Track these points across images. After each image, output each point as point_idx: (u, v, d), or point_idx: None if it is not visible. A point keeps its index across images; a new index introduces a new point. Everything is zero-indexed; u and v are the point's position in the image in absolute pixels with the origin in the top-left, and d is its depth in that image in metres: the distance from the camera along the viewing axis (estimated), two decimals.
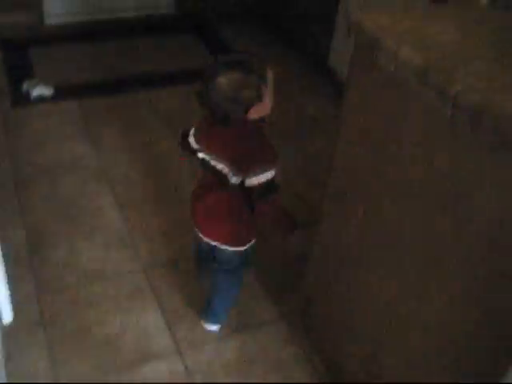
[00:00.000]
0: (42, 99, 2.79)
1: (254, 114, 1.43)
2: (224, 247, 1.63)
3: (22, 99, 2.79)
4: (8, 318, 1.73)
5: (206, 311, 1.82)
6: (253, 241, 1.66)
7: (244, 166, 1.47)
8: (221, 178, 1.53)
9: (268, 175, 1.46)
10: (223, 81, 1.39)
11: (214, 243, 1.63)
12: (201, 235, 1.65)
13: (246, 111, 1.42)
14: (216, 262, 1.71)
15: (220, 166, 1.51)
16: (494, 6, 1.61)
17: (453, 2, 1.43)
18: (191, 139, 1.60)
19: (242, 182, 1.50)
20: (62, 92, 2.87)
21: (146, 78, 3.08)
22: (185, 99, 2.90)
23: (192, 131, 1.61)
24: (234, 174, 1.49)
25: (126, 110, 2.80)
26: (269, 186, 1.48)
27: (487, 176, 0.96)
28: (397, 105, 1.13)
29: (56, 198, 2.24)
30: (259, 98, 1.41)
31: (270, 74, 1.43)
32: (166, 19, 3.55)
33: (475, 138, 0.95)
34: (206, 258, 1.75)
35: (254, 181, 1.46)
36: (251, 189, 1.49)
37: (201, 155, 1.57)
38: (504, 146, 0.91)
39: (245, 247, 1.64)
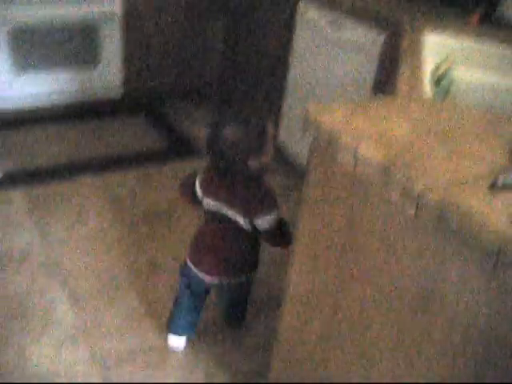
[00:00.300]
0: None
1: (255, 163, 1.62)
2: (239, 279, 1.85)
3: None
4: None
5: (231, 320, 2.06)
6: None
7: (250, 209, 1.66)
8: (230, 222, 1.72)
9: (274, 217, 1.67)
10: (227, 133, 1.61)
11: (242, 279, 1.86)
12: (211, 278, 1.83)
13: (247, 160, 1.61)
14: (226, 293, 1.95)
15: (226, 211, 1.70)
16: (436, 94, 1.69)
17: (396, 92, 1.48)
18: (197, 188, 1.77)
19: (253, 226, 1.70)
20: (8, 180, 2.79)
21: (95, 163, 3.04)
22: (136, 183, 2.87)
23: (198, 181, 1.78)
24: (243, 218, 1.68)
25: (75, 197, 2.73)
26: (277, 226, 1.70)
27: (456, 275, 0.97)
28: (358, 202, 1.14)
29: (4, 294, 2.12)
30: (259, 148, 1.62)
31: (269, 128, 1.65)
32: (114, 102, 3.55)
33: (441, 238, 0.96)
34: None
35: (263, 222, 1.68)
36: (260, 231, 1.71)
37: (206, 203, 1.75)
38: (470, 246, 0.92)
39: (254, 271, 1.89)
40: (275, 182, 2.94)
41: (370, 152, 1.05)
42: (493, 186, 1.01)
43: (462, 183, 1.00)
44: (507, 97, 1.91)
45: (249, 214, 1.68)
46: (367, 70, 2.44)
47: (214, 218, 1.77)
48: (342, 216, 1.20)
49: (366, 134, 1.12)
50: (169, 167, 3.08)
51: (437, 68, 1.78)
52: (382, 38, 2.34)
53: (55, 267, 2.28)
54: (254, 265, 1.88)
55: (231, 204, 1.69)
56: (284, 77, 3.00)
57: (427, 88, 1.52)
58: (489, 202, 0.96)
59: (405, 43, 1.87)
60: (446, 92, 1.78)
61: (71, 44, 3.28)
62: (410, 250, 1.06)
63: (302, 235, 1.37)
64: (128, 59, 3.44)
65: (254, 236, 1.77)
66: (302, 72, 2.87)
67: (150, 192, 2.81)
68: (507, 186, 1.02)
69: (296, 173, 2.72)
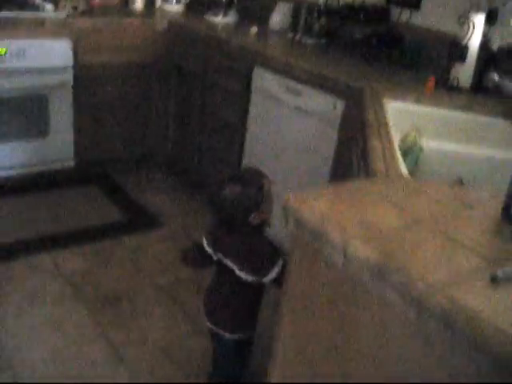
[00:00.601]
0: None
1: (254, 219, 1.72)
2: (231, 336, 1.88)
3: None
4: None
5: None
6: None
7: (254, 267, 1.74)
8: (232, 274, 1.78)
9: (279, 267, 1.72)
10: (227, 194, 1.71)
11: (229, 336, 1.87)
12: (208, 321, 1.91)
13: (247, 218, 1.71)
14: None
15: (230, 265, 1.77)
16: (406, 165, 1.66)
17: (372, 168, 1.43)
18: (206, 247, 1.86)
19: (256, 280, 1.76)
20: None
21: (46, 239, 2.86)
22: (93, 260, 2.72)
23: (205, 241, 1.87)
24: (245, 274, 1.75)
25: (27, 280, 2.54)
26: (283, 272, 1.68)
27: (469, 376, 0.89)
28: (348, 300, 1.05)
29: None
30: (257, 206, 1.71)
31: (266, 186, 1.74)
32: (67, 172, 3.40)
33: (448, 339, 0.88)
34: None
35: (271, 275, 1.73)
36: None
37: (217, 257, 1.84)
38: (480, 349, 0.85)
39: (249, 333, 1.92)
40: None
41: (360, 251, 0.97)
42: (494, 280, 0.95)
43: (462, 279, 0.94)
44: (471, 164, 1.90)
45: (253, 272, 1.75)
46: (327, 136, 2.42)
47: (221, 269, 1.85)
48: (330, 315, 1.11)
49: (353, 227, 1.04)
50: (126, 240, 2.94)
51: (405, 137, 1.76)
52: (341, 105, 2.33)
53: (6, 363, 2.08)
54: (250, 324, 1.91)
55: (236, 259, 1.77)
56: (241, 143, 2.95)
57: (401, 163, 1.49)
58: (493, 300, 0.90)
59: (368, 115, 1.83)
60: (416, 162, 1.75)
61: (22, 114, 3.16)
62: (413, 351, 0.97)
63: (282, 336, 1.26)
64: (79, 128, 3.34)
65: (257, 292, 1.85)
66: (259, 138, 2.84)
67: (109, 270, 2.65)
68: (507, 278, 0.97)
69: None
